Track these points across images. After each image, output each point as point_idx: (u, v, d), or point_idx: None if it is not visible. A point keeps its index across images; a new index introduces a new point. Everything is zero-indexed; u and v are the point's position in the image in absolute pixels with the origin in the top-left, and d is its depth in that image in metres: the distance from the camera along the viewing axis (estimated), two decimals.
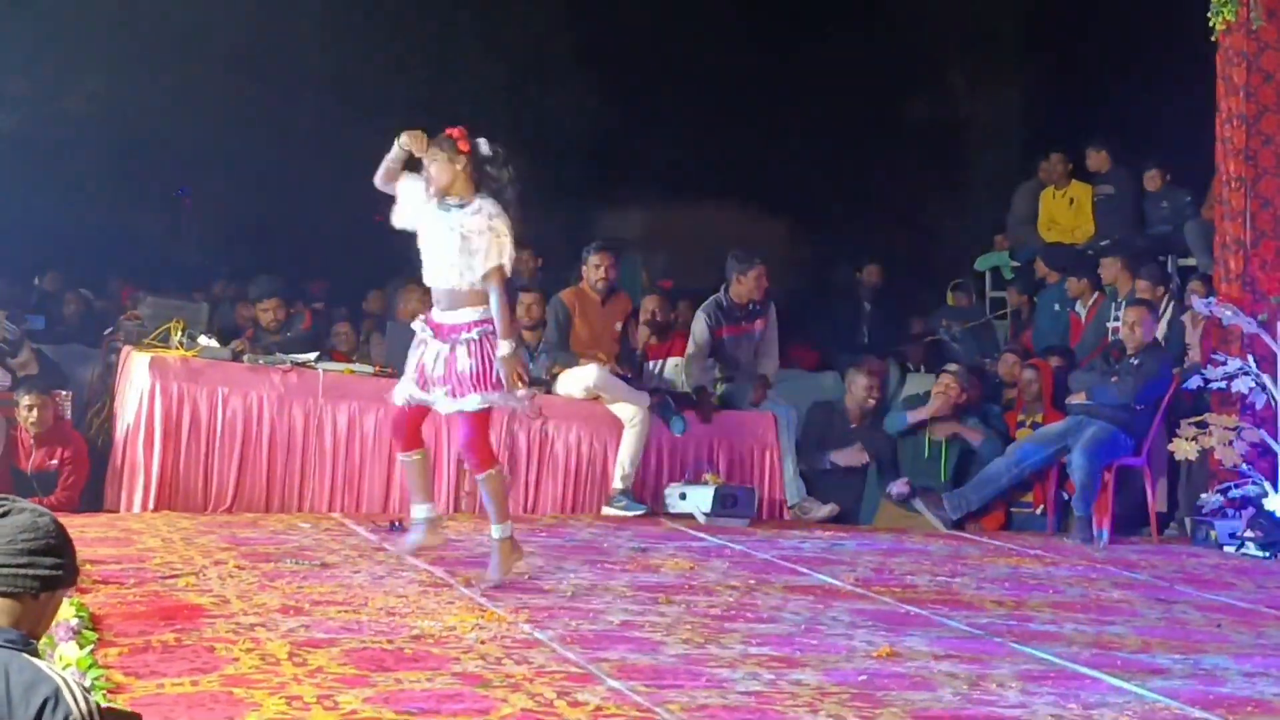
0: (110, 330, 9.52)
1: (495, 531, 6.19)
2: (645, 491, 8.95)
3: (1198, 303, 9.35)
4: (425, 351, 6.13)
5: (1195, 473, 9.24)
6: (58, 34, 14.40)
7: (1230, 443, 8.85)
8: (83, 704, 2.43)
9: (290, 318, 9.60)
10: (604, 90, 16.06)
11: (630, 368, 9.36)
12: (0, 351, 9.08)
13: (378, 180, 6.24)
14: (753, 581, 6.57)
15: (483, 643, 4.95)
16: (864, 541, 8.20)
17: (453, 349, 6.03)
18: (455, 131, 6.13)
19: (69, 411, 8.59)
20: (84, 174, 14.75)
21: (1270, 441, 8.86)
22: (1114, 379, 9.03)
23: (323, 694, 4.18)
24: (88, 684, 4.01)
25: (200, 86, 15.40)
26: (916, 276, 14.08)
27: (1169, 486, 9.46)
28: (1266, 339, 9.00)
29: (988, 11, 15.73)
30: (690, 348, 9.61)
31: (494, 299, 5.98)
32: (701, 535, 8.04)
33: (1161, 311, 9.93)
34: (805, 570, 7.00)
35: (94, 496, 8.13)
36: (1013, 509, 9.45)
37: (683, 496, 8.75)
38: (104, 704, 2.60)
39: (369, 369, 8.74)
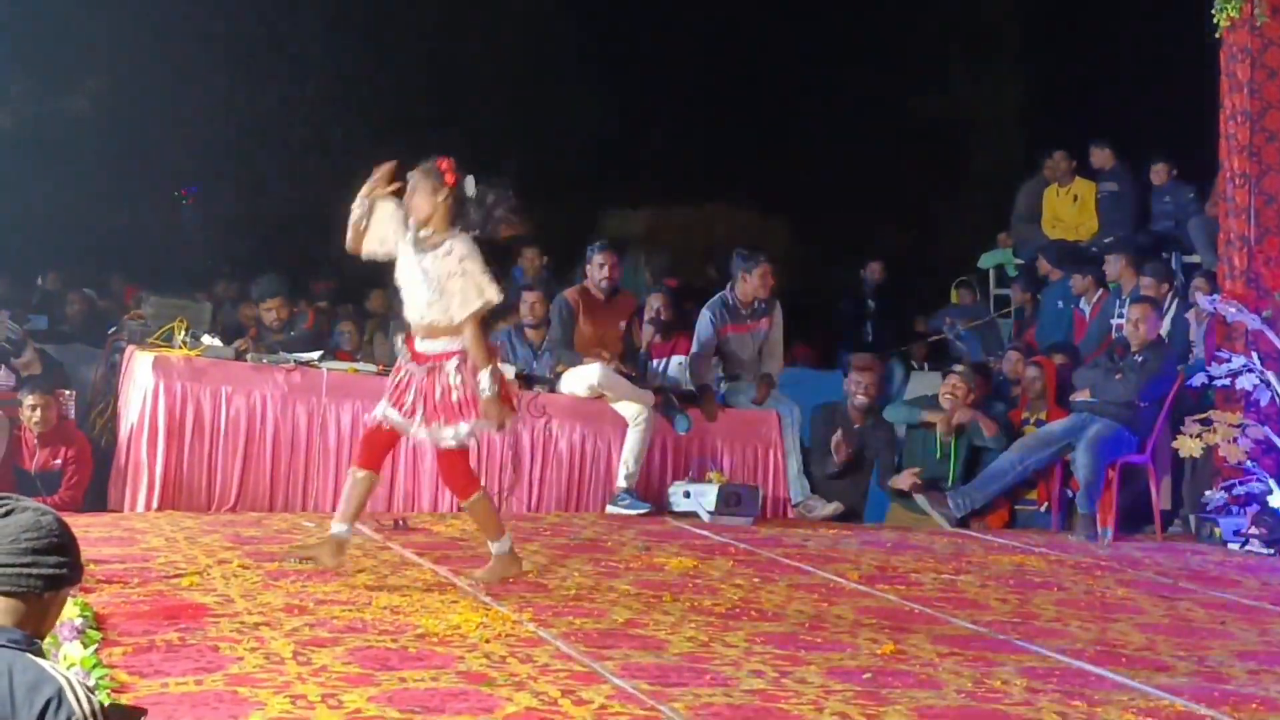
0: (114, 330, 9.52)
1: (494, 548, 6.17)
2: (649, 490, 8.95)
3: (1202, 299, 9.35)
4: (404, 377, 6.06)
5: (1199, 470, 9.24)
6: (60, 34, 14.42)
7: (1234, 440, 8.84)
8: (86, 704, 2.43)
9: (294, 317, 9.60)
10: (607, 89, 16.07)
11: (634, 366, 9.37)
12: (4, 351, 9.09)
13: (349, 246, 6.13)
14: (757, 579, 6.56)
15: (487, 641, 4.95)
16: (868, 539, 8.20)
17: (431, 378, 5.96)
18: (444, 163, 6.06)
19: (73, 411, 8.59)
20: (87, 173, 14.77)
21: (1274, 438, 8.85)
22: (1118, 376, 9.03)
23: (327, 693, 4.18)
24: (92, 683, 4.01)
25: (203, 86, 15.42)
26: (920, 274, 14.09)
27: (1173, 484, 9.45)
28: (1271, 336, 8.99)
29: (990, 9, 15.74)
30: (694, 346, 9.61)
31: (469, 340, 5.92)
32: (705, 533, 8.03)
33: (1166, 308, 9.92)
34: (809, 568, 7.00)
35: (98, 496, 8.13)
36: (1017, 506, 9.45)
37: (687, 495, 8.75)
38: (110, 702, 2.60)
39: (373, 368, 8.74)
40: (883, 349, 11.41)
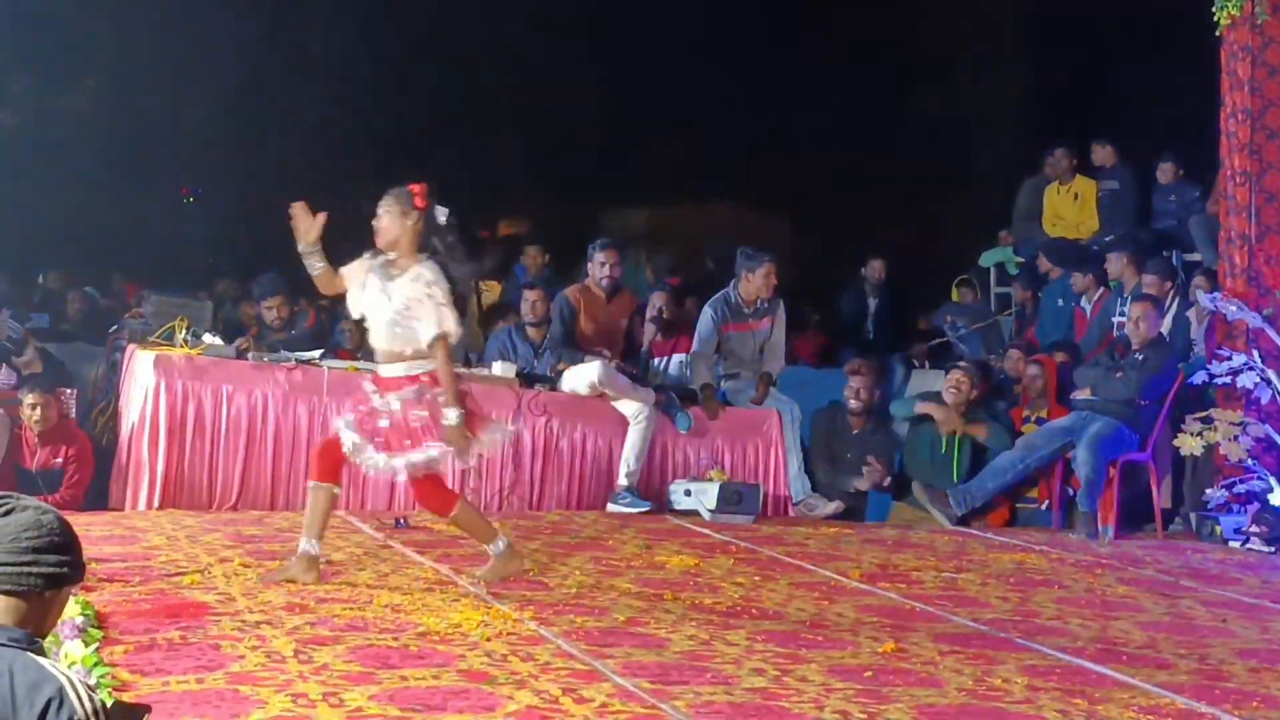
0: (115, 328, 9.53)
1: (491, 550, 6.15)
2: (650, 488, 8.95)
3: (1202, 297, 9.35)
4: (368, 401, 5.99)
5: (1200, 468, 9.24)
6: (61, 33, 14.42)
7: (1235, 438, 8.85)
8: (87, 703, 2.43)
9: (294, 315, 9.60)
10: (608, 88, 16.07)
11: (635, 365, 9.37)
12: (5, 350, 9.09)
13: (325, 291, 6.18)
14: (758, 578, 6.57)
15: (488, 640, 4.95)
16: (869, 538, 8.20)
17: (392, 405, 5.89)
18: (416, 187, 5.98)
19: (74, 410, 8.59)
20: (88, 172, 14.78)
21: (1275, 436, 8.85)
22: (1119, 374, 9.03)
23: (328, 691, 4.18)
24: (93, 682, 4.01)
25: (204, 84, 15.43)
26: (921, 272, 14.08)
27: (1174, 482, 9.45)
28: (1271, 334, 8.99)
29: (992, 7, 15.72)
30: (695, 343, 9.60)
31: (440, 367, 5.86)
32: (706, 531, 8.03)
33: (1167, 306, 9.92)
34: (810, 566, 7.00)
35: (99, 495, 8.13)
36: (1018, 505, 9.45)
37: (687, 493, 8.75)
38: (114, 700, 2.60)
39: (374, 366, 8.72)
40: (884, 347, 11.40)
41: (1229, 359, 8.94)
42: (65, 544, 2.62)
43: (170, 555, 6.36)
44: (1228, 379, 8.93)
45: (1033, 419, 9.62)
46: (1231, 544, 8.52)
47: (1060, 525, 9.14)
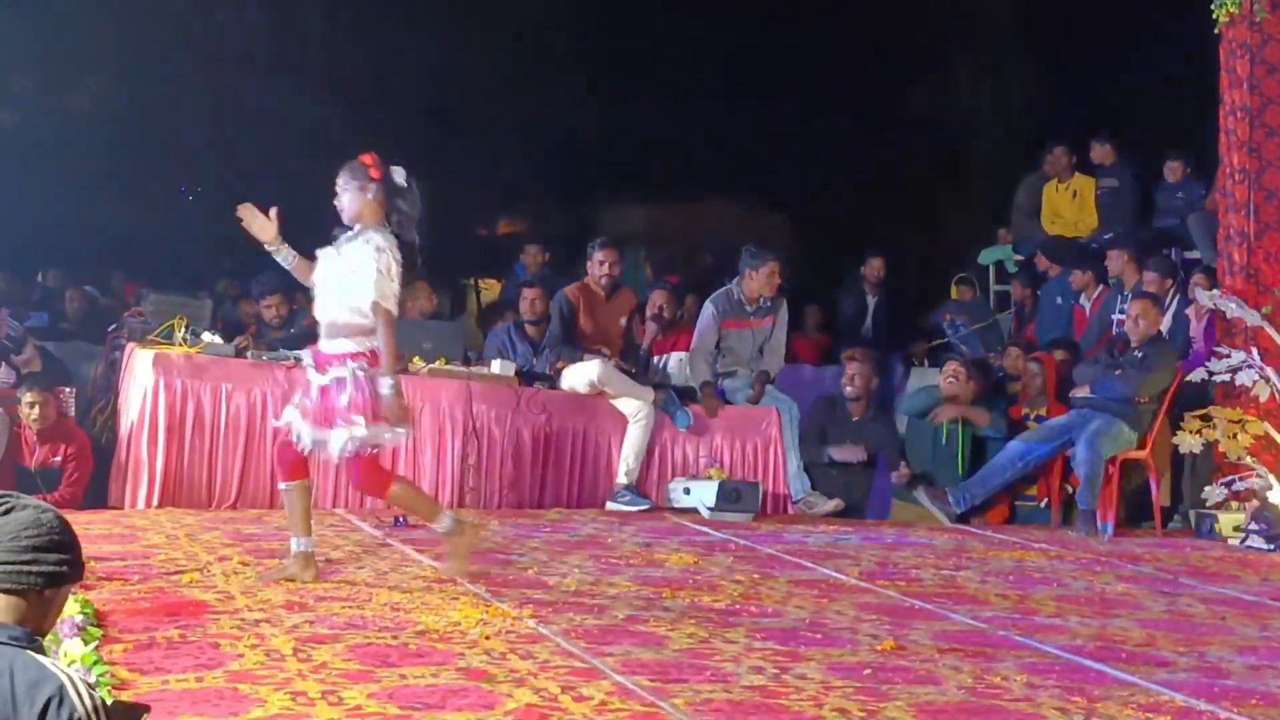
0: (114, 327, 9.52)
1: (439, 528, 6.02)
2: (649, 486, 8.95)
3: (1201, 295, 9.35)
4: (307, 381, 5.94)
5: (1199, 465, 9.24)
6: (61, 32, 14.41)
7: (1234, 436, 8.85)
8: (87, 701, 2.43)
9: (293, 314, 9.59)
10: (607, 85, 16.05)
11: (634, 363, 9.37)
12: (4, 349, 9.09)
13: (306, 283, 6.10)
14: (757, 576, 6.57)
15: (487, 638, 4.95)
16: (868, 535, 8.20)
17: (327, 381, 5.80)
18: (368, 158, 5.92)
19: (73, 408, 8.59)
20: (87, 171, 14.76)
21: (1274, 434, 8.85)
22: (1118, 372, 9.03)
23: (327, 689, 4.18)
24: (92, 681, 4.01)
25: (203, 83, 15.41)
26: (920, 270, 14.08)
27: (1173, 479, 9.45)
28: (1271, 332, 8.99)
29: (990, 3, 15.72)
30: (695, 339, 9.58)
31: (380, 333, 5.74)
32: (706, 530, 8.04)
33: (1167, 304, 9.92)
34: (810, 564, 7.00)
35: (98, 493, 8.14)
36: (1017, 502, 9.46)
37: (687, 491, 8.75)
38: (113, 699, 2.60)
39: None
40: (883, 346, 11.40)
41: (1228, 357, 8.94)
42: (65, 542, 2.62)
43: (169, 554, 6.36)
44: (1227, 377, 8.93)
45: (1032, 417, 9.62)
46: (1230, 542, 8.52)
47: (1060, 523, 9.15)
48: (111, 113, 15.46)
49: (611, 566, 6.62)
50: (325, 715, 3.95)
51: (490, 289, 13.72)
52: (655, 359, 9.70)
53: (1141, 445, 8.98)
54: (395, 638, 4.91)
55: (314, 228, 6.46)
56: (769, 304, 9.63)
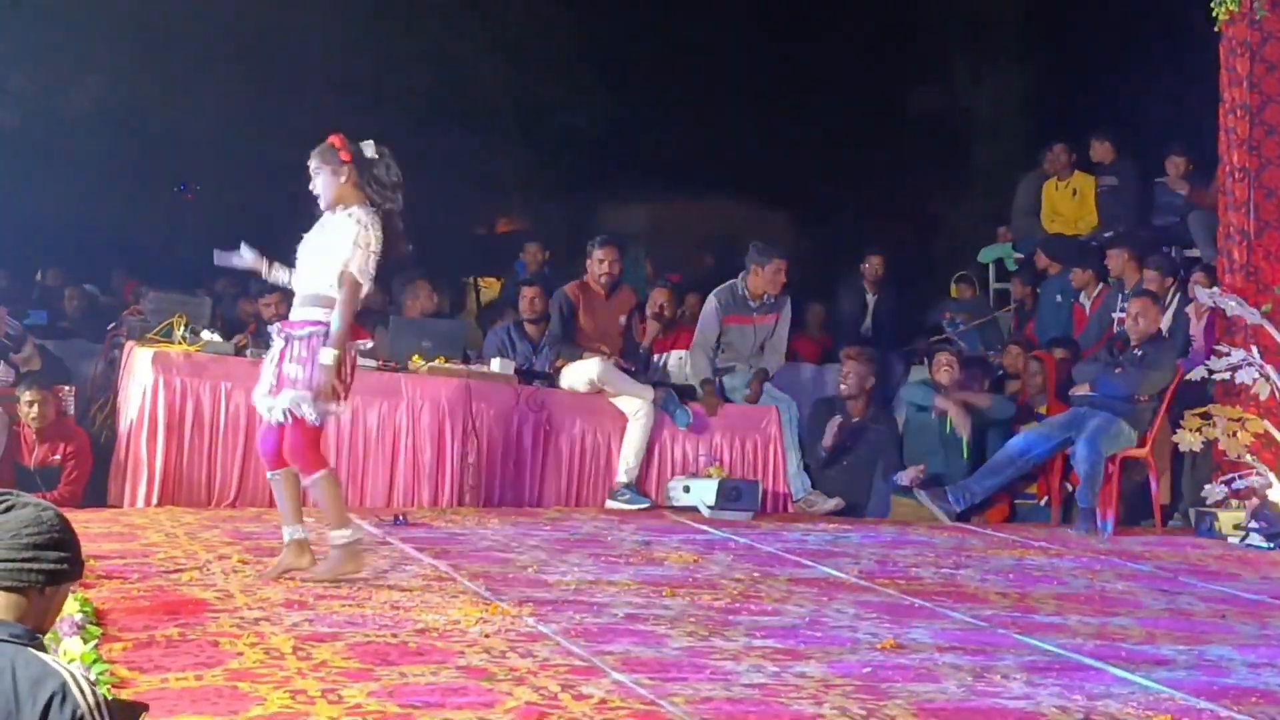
0: (113, 325, 9.53)
1: (335, 537, 5.80)
2: (649, 485, 8.95)
3: (1201, 293, 9.34)
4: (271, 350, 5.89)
5: (1199, 464, 9.24)
6: (60, 31, 14.40)
7: (1234, 434, 8.85)
8: (90, 697, 2.43)
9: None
10: (606, 83, 16.05)
11: (634, 361, 9.37)
12: (3, 347, 9.09)
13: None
14: (757, 574, 6.57)
15: (487, 636, 4.95)
16: (868, 534, 8.20)
17: (285, 345, 5.76)
18: (336, 140, 5.84)
19: (72, 407, 8.59)
20: (87, 170, 14.75)
21: (1274, 432, 8.85)
22: (1118, 370, 9.03)
23: (327, 688, 4.18)
24: (92, 679, 4.01)
25: (202, 82, 15.39)
26: (919, 268, 14.07)
27: (1173, 478, 9.45)
28: (1271, 330, 8.98)
29: (990, 3, 15.71)
30: (697, 332, 9.57)
31: (340, 304, 5.64)
32: (705, 528, 8.03)
33: (1167, 303, 9.92)
34: (809, 563, 7.00)
35: (97, 492, 8.14)
36: (1017, 501, 9.46)
37: (686, 490, 8.75)
38: (111, 697, 2.60)
39: (372, 363, 8.73)
40: (883, 343, 11.39)
41: (1228, 355, 8.93)
42: (65, 540, 2.62)
43: (169, 552, 6.36)
44: (1227, 375, 8.93)
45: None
46: (1230, 540, 8.52)
47: (1059, 521, 9.15)
48: (111, 111, 15.45)
49: (611, 565, 6.61)
50: (325, 713, 3.95)
51: (490, 287, 13.71)
52: (655, 357, 9.70)
53: (1141, 443, 8.98)
54: (395, 636, 4.90)
55: (314, 223, 6.45)
56: (773, 301, 9.61)
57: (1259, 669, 5.14)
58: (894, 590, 6.35)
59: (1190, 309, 9.85)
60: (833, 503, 9.28)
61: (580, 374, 8.97)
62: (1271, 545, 8.29)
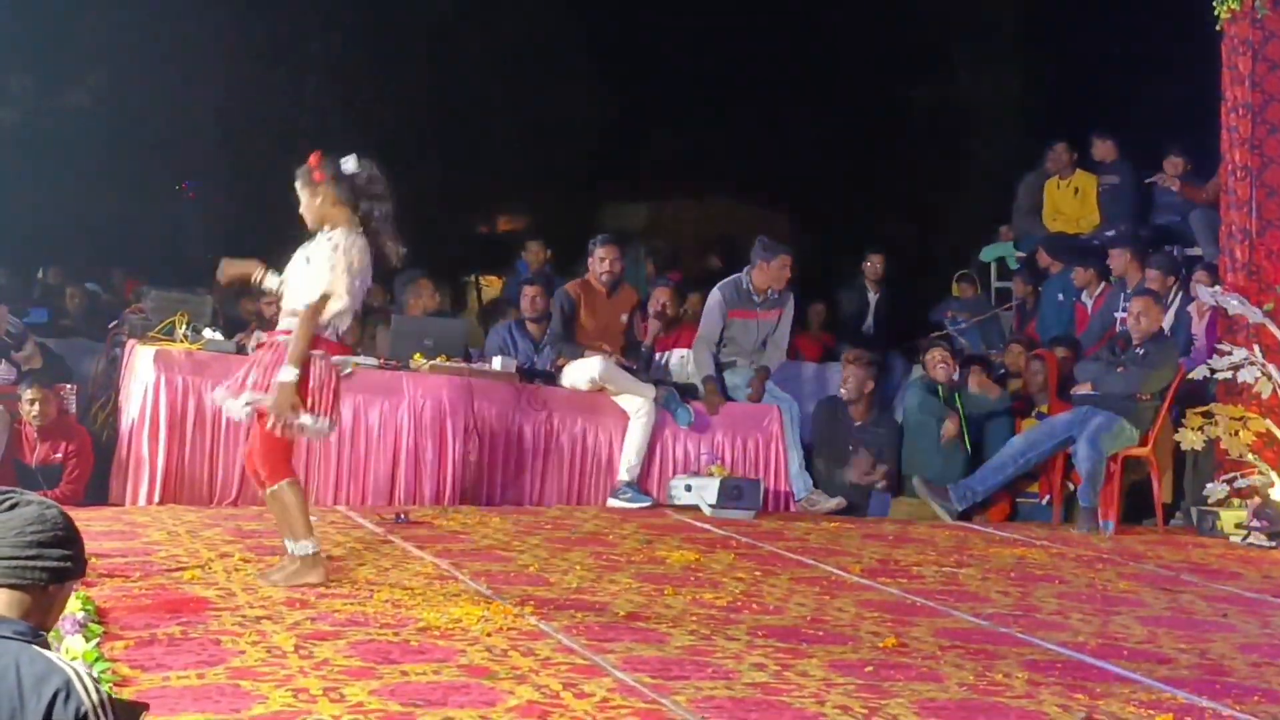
0: (114, 324, 9.52)
1: (296, 549, 5.69)
2: (650, 484, 8.95)
3: (1203, 292, 9.34)
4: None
5: (1201, 463, 9.23)
6: (61, 29, 14.41)
7: (1236, 433, 8.85)
8: (94, 695, 2.43)
9: None
10: (608, 83, 16.06)
11: (635, 360, 9.37)
12: (4, 345, 9.09)
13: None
14: (759, 573, 6.57)
15: (488, 635, 4.95)
16: (869, 533, 8.20)
17: (258, 349, 5.80)
18: (312, 159, 5.82)
19: (73, 405, 8.59)
20: (88, 168, 14.76)
21: (1276, 431, 8.85)
22: (1120, 369, 9.03)
23: (329, 686, 4.18)
24: (95, 676, 4.01)
25: (204, 81, 15.41)
26: (921, 267, 14.08)
27: (1174, 477, 9.45)
28: (1273, 329, 8.98)
29: (991, 1, 15.72)
30: (701, 326, 9.56)
31: (300, 323, 5.61)
32: (707, 527, 8.03)
33: (1169, 302, 9.92)
34: (811, 561, 7.00)
35: (99, 490, 8.13)
36: (1018, 499, 9.46)
37: (688, 488, 8.75)
38: (111, 696, 2.60)
39: (374, 361, 8.75)
40: (883, 342, 11.40)
41: (1230, 354, 8.93)
42: (69, 539, 2.63)
43: (170, 550, 6.36)
44: (1229, 374, 8.92)
45: (1033, 414, 9.62)
46: (1232, 539, 8.52)
47: (1061, 520, 9.15)
48: (111, 109, 15.46)
49: (613, 564, 6.61)
50: (327, 712, 3.95)
51: (491, 286, 13.72)
52: (657, 356, 9.69)
53: (1143, 442, 8.98)
54: (397, 634, 4.90)
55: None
56: (776, 296, 9.60)
57: (1261, 668, 5.14)
58: (896, 589, 6.35)
59: (1192, 308, 9.86)
60: (834, 502, 9.28)
61: (582, 373, 8.97)
62: (1273, 544, 8.29)
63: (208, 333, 8.50)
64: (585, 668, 4.58)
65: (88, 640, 4.39)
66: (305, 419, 5.62)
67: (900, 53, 15.45)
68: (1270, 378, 8.84)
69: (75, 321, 11.35)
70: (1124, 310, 9.96)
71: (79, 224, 14.57)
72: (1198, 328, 9.78)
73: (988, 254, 13.13)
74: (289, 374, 5.58)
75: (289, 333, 5.71)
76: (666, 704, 4.21)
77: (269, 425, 5.65)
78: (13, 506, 2.59)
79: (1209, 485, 8.96)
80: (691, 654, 4.86)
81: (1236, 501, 8.83)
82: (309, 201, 5.81)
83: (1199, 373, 9.02)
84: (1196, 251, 11.13)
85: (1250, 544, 8.37)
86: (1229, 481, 8.86)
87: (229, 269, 6.12)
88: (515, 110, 16.30)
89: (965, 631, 5.52)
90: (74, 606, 4.67)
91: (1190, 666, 5.10)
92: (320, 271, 5.66)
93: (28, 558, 2.56)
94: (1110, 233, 11.60)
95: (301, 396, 5.62)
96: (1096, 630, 5.67)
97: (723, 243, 13.45)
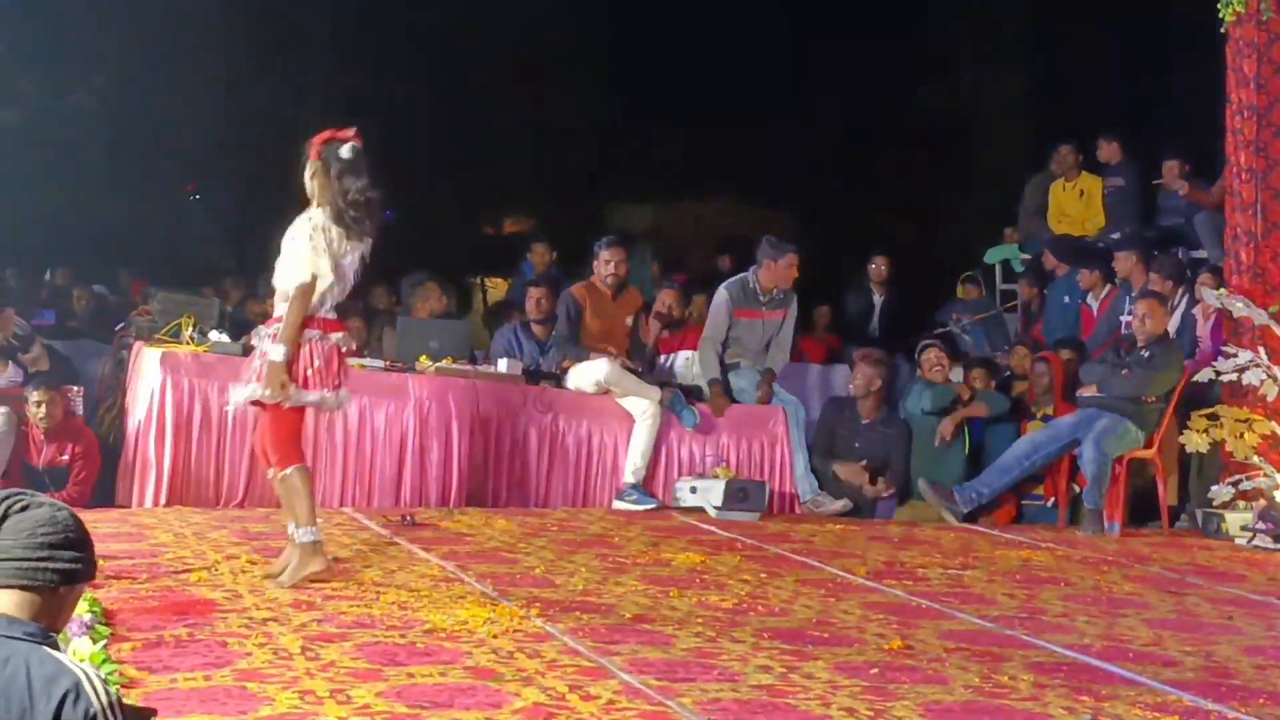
0: (121, 326, 9.53)
1: (297, 536, 5.78)
2: (656, 485, 8.96)
3: (1208, 294, 9.34)
4: None
5: (1206, 465, 9.23)
6: (66, 31, 14.44)
7: (1241, 435, 8.85)
8: (104, 696, 2.44)
9: None
10: (612, 85, 16.08)
11: (641, 362, 9.37)
12: (11, 347, 9.11)
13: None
14: (764, 575, 6.57)
15: (494, 636, 4.95)
16: (875, 535, 8.20)
17: (259, 342, 5.93)
18: (316, 139, 5.92)
19: (80, 407, 8.61)
20: (94, 170, 14.79)
21: None
22: (1125, 371, 9.03)
23: (335, 688, 4.19)
24: (104, 677, 4.02)
25: (210, 82, 15.44)
26: (926, 269, 14.08)
27: (1180, 479, 9.45)
28: (1278, 331, 8.98)
29: (996, 3, 15.72)
30: (707, 326, 9.55)
31: (290, 305, 5.75)
32: (713, 529, 8.04)
33: (1175, 304, 9.91)
34: (816, 563, 7.00)
35: (105, 492, 8.15)
36: (1024, 502, 9.45)
37: (693, 490, 8.75)
38: (120, 698, 2.61)
39: (380, 363, 8.76)
40: (888, 344, 11.40)
41: (1235, 356, 8.93)
42: (79, 540, 2.64)
43: (177, 552, 6.37)
44: (1234, 376, 8.92)
45: (1038, 416, 9.62)
46: (1238, 541, 8.52)
47: (1066, 522, 9.14)
48: (117, 111, 15.49)
49: (618, 565, 6.62)
50: (333, 714, 3.96)
51: (497, 288, 13.74)
52: (662, 358, 9.70)
53: (1148, 444, 8.98)
54: (403, 636, 4.91)
55: None
56: (781, 296, 9.58)
57: (1266, 670, 5.14)
58: (901, 591, 6.35)
59: (1197, 310, 9.85)
60: (840, 504, 9.28)
61: (587, 375, 8.97)
62: (1278, 546, 8.29)
63: (214, 335, 8.51)
64: (591, 669, 4.59)
65: (95, 642, 4.40)
66: (308, 395, 5.78)
67: (905, 54, 15.45)
68: (1275, 380, 8.84)
69: (82, 323, 11.37)
70: (1129, 313, 9.96)
71: (86, 226, 14.59)
72: (1203, 330, 9.78)
73: (993, 256, 13.13)
74: (278, 352, 5.74)
75: (280, 320, 5.84)
76: (672, 706, 4.21)
77: (260, 395, 5.80)
78: (24, 508, 2.61)
79: (1214, 488, 8.96)
80: (697, 656, 4.87)
81: (1242, 504, 8.83)
82: (308, 179, 5.95)
83: (1204, 375, 9.02)
84: (1202, 254, 11.13)
85: (1255, 546, 8.37)
86: (1234, 484, 8.85)
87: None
88: (520, 112, 16.32)
89: (971, 634, 5.52)
90: (81, 608, 4.67)
91: (1196, 669, 5.11)
92: (302, 252, 5.79)
93: (39, 559, 2.58)
94: (1115, 235, 11.59)
95: (303, 376, 5.77)
96: (1102, 632, 5.67)
97: (732, 243, 13.44)
